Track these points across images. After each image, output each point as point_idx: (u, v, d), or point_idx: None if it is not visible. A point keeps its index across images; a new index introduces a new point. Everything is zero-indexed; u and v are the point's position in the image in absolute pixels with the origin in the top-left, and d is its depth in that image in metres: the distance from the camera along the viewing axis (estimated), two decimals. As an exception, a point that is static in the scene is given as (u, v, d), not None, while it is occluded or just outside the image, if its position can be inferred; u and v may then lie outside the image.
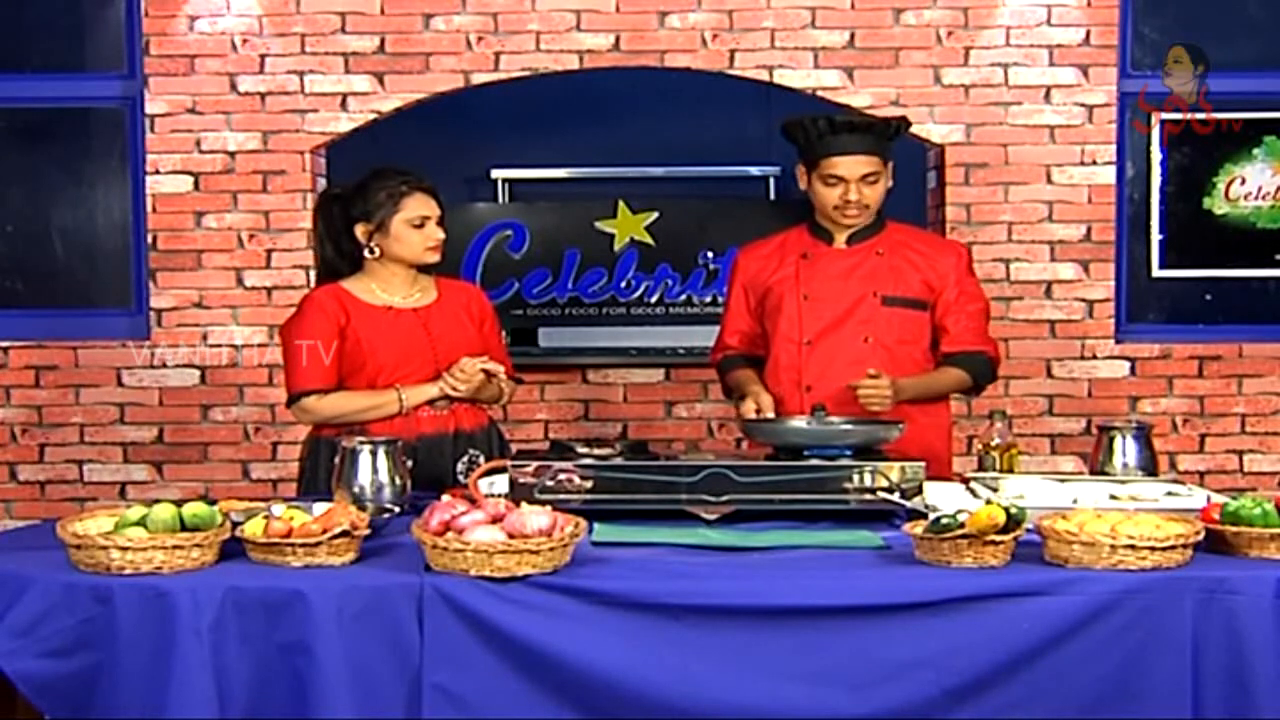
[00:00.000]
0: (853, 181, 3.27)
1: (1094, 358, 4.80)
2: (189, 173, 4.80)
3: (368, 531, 2.37)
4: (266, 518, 2.38)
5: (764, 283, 3.44)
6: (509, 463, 2.72)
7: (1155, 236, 4.91)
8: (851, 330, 3.33)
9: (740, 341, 3.51)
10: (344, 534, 2.32)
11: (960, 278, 3.38)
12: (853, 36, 4.74)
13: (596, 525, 2.56)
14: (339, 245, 3.28)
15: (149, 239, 4.82)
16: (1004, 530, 2.30)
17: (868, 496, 2.67)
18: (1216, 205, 4.92)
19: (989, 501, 2.52)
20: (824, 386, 3.25)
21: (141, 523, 2.32)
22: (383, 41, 4.77)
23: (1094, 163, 4.76)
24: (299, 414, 3.22)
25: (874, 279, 3.34)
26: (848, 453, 2.78)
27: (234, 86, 4.77)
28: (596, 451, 2.85)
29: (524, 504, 2.39)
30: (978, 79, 4.74)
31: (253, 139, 4.79)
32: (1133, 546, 2.26)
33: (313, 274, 4.68)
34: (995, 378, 3.46)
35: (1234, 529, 2.37)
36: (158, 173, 4.80)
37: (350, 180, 3.31)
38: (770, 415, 3.23)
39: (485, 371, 3.17)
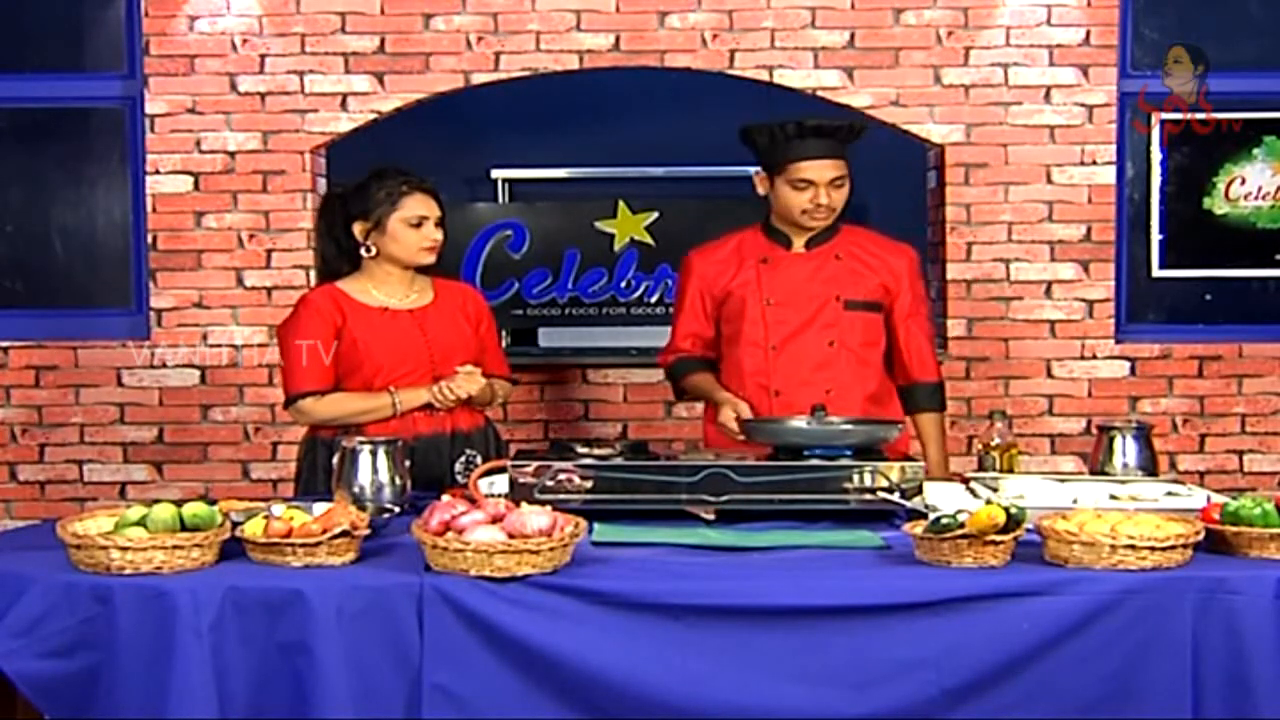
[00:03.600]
0: (822, 185, 3.29)
1: (1094, 358, 4.80)
2: (189, 173, 4.80)
3: (368, 531, 2.37)
4: (266, 518, 2.38)
5: (723, 287, 3.44)
6: (509, 463, 2.72)
7: (1155, 236, 4.91)
8: (816, 334, 3.36)
9: (694, 345, 3.51)
10: (344, 534, 2.32)
11: (912, 281, 3.46)
12: (853, 36, 4.74)
13: (596, 525, 2.56)
14: (339, 244, 3.28)
15: (149, 239, 4.82)
16: (1004, 530, 2.30)
17: (868, 496, 2.68)
18: (1216, 205, 4.91)
19: (989, 501, 2.53)
20: (792, 391, 3.28)
21: (141, 523, 2.32)
22: (383, 41, 4.76)
23: (1094, 163, 4.76)
24: (296, 415, 3.23)
25: (835, 283, 3.38)
26: (848, 453, 2.78)
27: (234, 86, 4.77)
28: (596, 451, 2.85)
29: (524, 504, 2.39)
30: (978, 79, 4.74)
31: (253, 139, 4.78)
32: (1133, 546, 2.26)
33: (313, 274, 4.73)
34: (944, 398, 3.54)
35: (1234, 529, 2.37)
36: (158, 173, 4.80)
37: (351, 180, 3.32)
38: (749, 417, 3.23)
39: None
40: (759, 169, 3.40)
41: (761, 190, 3.42)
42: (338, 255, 3.30)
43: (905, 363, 3.44)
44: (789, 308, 3.37)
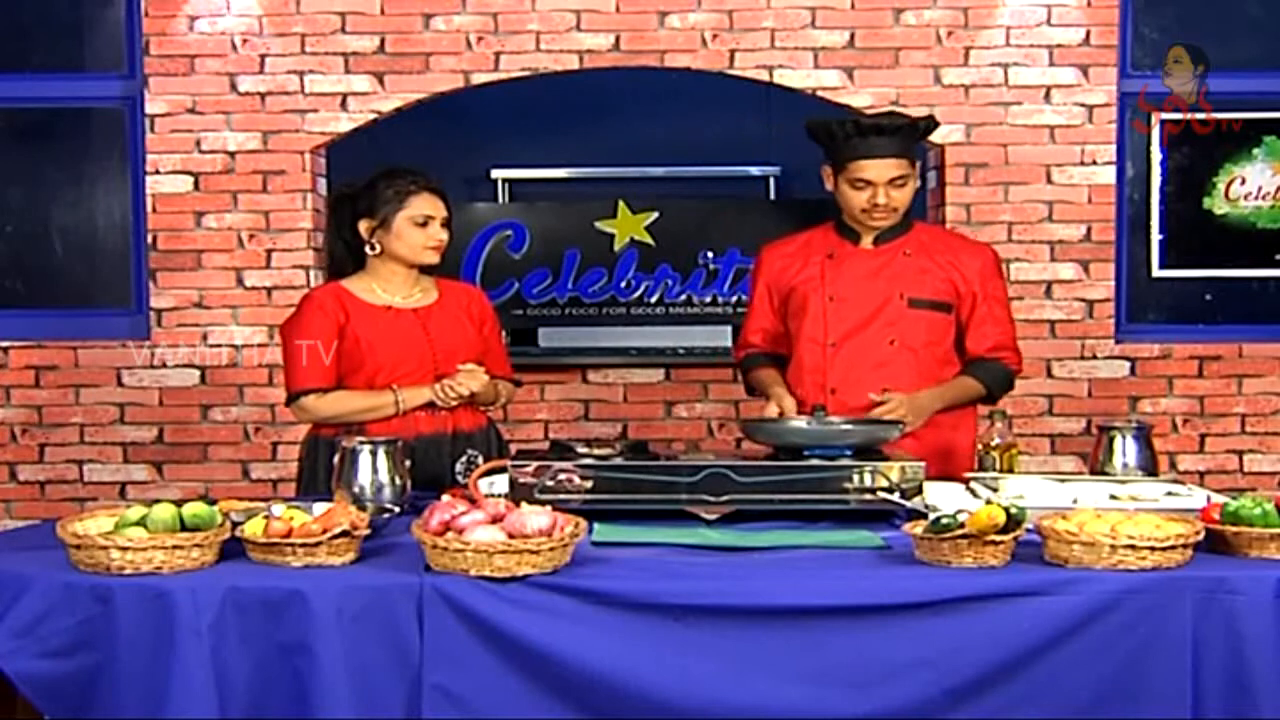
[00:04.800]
0: (881, 185, 3.21)
1: (1094, 358, 4.80)
2: (189, 173, 4.80)
3: (368, 531, 2.37)
4: (266, 518, 2.38)
5: (788, 282, 3.39)
6: (509, 463, 2.72)
7: (1155, 236, 4.91)
8: (877, 332, 3.28)
9: (763, 340, 3.47)
10: (344, 534, 2.32)
11: (986, 280, 3.33)
12: (853, 36, 4.74)
13: (596, 525, 2.56)
14: (346, 243, 3.29)
15: (149, 239, 4.83)
16: (1004, 530, 2.30)
17: (868, 496, 2.67)
18: (1216, 205, 4.92)
19: (989, 501, 2.53)
20: (849, 389, 3.22)
21: (141, 523, 2.32)
22: (383, 41, 4.77)
23: (1094, 163, 4.76)
24: (298, 413, 3.23)
25: (900, 280, 3.29)
26: (848, 453, 2.78)
27: (234, 86, 4.77)
28: (596, 451, 2.85)
29: (524, 504, 2.39)
30: (978, 79, 4.74)
31: (253, 139, 4.79)
32: (1133, 546, 2.26)
33: (313, 274, 4.74)
34: (1012, 387, 3.39)
35: (1234, 529, 2.37)
36: (158, 173, 4.80)
37: (355, 179, 3.32)
38: (794, 417, 3.19)
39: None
40: (826, 164, 3.32)
41: (828, 186, 3.33)
42: (345, 254, 3.30)
43: (969, 350, 3.33)
44: (850, 304, 3.29)
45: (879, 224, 3.30)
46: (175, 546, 2.27)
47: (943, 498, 2.75)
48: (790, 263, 3.41)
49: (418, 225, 3.22)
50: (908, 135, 3.26)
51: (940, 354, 3.31)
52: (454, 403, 3.18)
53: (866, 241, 3.34)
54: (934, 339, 3.30)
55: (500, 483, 2.73)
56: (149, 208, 4.82)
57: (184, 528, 2.32)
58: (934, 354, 3.30)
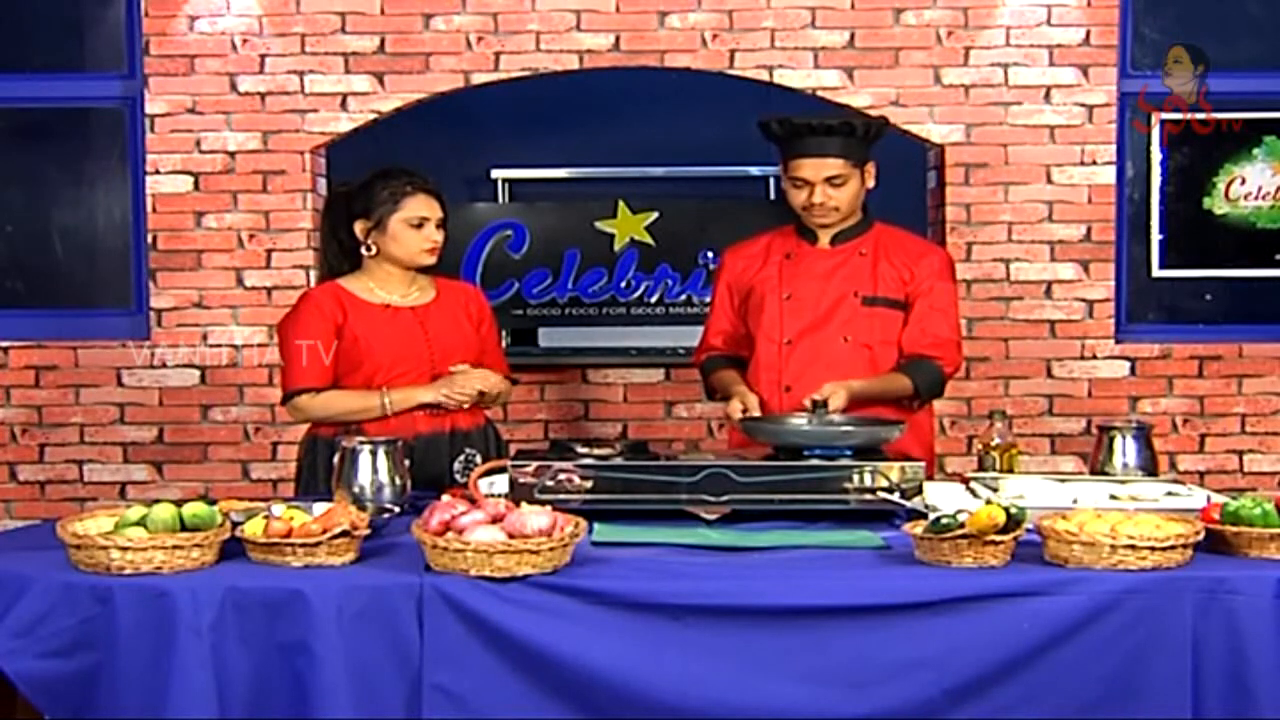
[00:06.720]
0: (817, 184, 3.24)
1: (1094, 358, 4.80)
2: (189, 173, 4.80)
3: (368, 531, 2.37)
4: (266, 518, 2.38)
5: (747, 282, 3.43)
6: (509, 462, 2.72)
7: (1155, 236, 4.91)
8: (832, 330, 3.31)
9: (724, 342, 3.49)
10: (344, 534, 2.32)
11: (935, 281, 3.34)
12: (853, 36, 4.74)
13: (596, 525, 2.56)
14: (341, 243, 3.29)
15: (149, 239, 4.82)
16: (1004, 530, 2.30)
17: (868, 496, 2.68)
18: (1216, 205, 4.91)
19: (989, 501, 2.53)
20: (804, 387, 3.21)
21: (141, 523, 2.32)
22: (383, 41, 4.77)
23: (1094, 163, 4.76)
24: (292, 412, 3.24)
25: (855, 279, 3.33)
26: (848, 453, 2.78)
27: (234, 86, 4.77)
28: (596, 451, 2.85)
29: (524, 504, 2.39)
30: (978, 79, 4.74)
31: (253, 139, 4.78)
32: (1133, 546, 2.26)
33: (313, 274, 4.74)
34: (942, 391, 3.38)
35: (1234, 529, 2.37)
36: (158, 173, 4.80)
37: (355, 179, 3.32)
38: (757, 415, 3.21)
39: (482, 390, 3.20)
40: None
41: (784, 185, 3.38)
42: (340, 254, 3.30)
43: (901, 342, 3.33)
44: (806, 302, 3.33)
45: (819, 222, 3.32)
46: (175, 546, 2.27)
47: (943, 498, 2.75)
48: (751, 263, 3.44)
49: (413, 227, 3.22)
50: (849, 136, 3.24)
51: (895, 352, 3.33)
52: (465, 403, 3.18)
53: (824, 241, 3.37)
54: (888, 337, 3.32)
55: (500, 483, 2.73)
56: (149, 208, 4.81)
57: (184, 528, 2.32)
58: (889, 352, 3.32)
